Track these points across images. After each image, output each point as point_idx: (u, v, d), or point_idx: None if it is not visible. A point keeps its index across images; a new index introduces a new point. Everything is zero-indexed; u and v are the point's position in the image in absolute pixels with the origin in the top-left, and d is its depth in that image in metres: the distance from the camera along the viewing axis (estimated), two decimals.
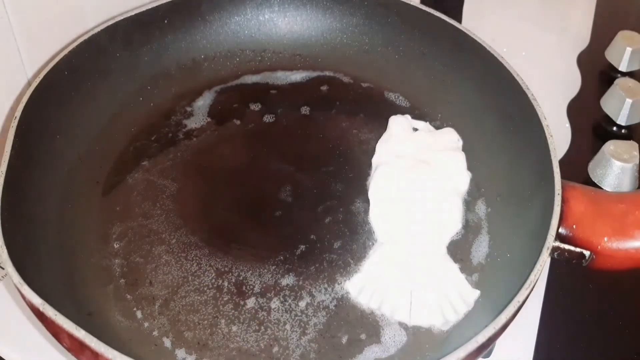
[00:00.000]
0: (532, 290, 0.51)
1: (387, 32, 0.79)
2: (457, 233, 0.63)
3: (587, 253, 0.55)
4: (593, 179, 0.76)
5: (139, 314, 0.57)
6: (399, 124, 0.71)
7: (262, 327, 0.57)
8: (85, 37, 0.69)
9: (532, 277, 0.50)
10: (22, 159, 0.58)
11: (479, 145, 0.70)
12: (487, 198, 0.66)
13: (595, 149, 0.78)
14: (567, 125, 0.84)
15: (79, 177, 0.65)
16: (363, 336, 0.56)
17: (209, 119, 0.74)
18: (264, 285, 0.59)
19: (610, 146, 0.76)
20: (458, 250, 0.62)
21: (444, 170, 0.66)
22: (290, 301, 0.58)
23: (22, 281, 0.48)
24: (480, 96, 0.72)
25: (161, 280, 0.59)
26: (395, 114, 0.73)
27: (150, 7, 0.74)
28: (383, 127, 0.72)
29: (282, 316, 0.57)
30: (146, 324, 0.56)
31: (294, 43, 0.81)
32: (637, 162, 0.74)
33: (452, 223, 0.63)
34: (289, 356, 0.55)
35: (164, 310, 0.57)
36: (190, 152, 0.71)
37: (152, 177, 0.68)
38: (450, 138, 0.70)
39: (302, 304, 0.58)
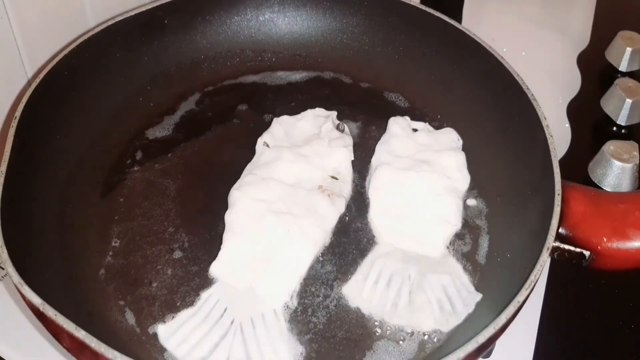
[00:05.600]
0: (532, 290, 0.51)
1: (387, 32, 0.79)
2: (457, 233, 0.63)
3: (587, 253, 0.55)
4: (593, 179, 0.76)
5: (138, 314, 0.57)
6: (398, 124, 0.71)
7: None
8: (85, 37, 0.69)
9: (532, 277, 0.50)
10: (22, 159, 0.58)
11: (479, 145, 0.70)
12: (487, 198, 0.66)
13: (595, 149, 0.78)
14: (567, 125, 0.84)
15: (79, 177, 0.65)
16: (363, 336, 0.56)
17: (208, 119, 0.74)
18: None
19: (610, 146, 0.76)
20: (458, 250, 0.62)
21: (444, 170, 0.66)
22: (290, 301, 0.58)
23: (22, 281, 0.48)
24: (480, 96, 0.72)
25: (161, 280, 0.59)
26: (395, 114, 0.73)
27: (150, 7, 0.75)
28: (383, 127, 0.72)
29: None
30: (146, 324, 0.56)
31: (294, 43, 0.82)
32: (637, 162, 0.75)
33: (452, 223, 0.63)
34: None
35: (164, 310, 0.57)
36: (190, 151, 0.71)
37: (152, 177, 0.68)
38: (450, 138, 0.70)
39: (303, 304, 0.58)
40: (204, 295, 0.58)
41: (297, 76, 0.80)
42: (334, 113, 0.73)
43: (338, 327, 0.57)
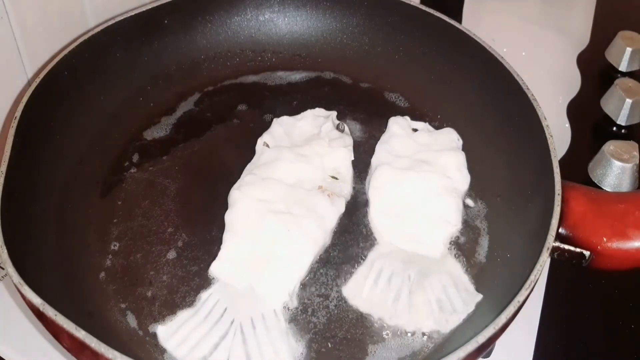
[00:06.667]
0: (532, 290, 0.51)
1: (387, 32, 0.79)
2: (457, 233, 0.63)
3: (587, 253, 0.55)
4: (593, 179, 0.76)
5: (138, 314, 0.57)
6: (398, 124, 0.71)
7: None
8: (85, 37, 0.69)
9: (532, 277, 0.50)
10: (22, 159, 0.58)
11: (479, 145, 0.70)
12: (487, 198, 0.66)
13: (595, 149, 0.78)
14: (567, 125, 0.84)
15: (79, 177, 0.65)
16: (363, 336, 0.56)
17: (208, 120, 0.74)
18: None
19: (610, 146, 0.76)
20: (458, 250, 0.62)
21: (444, 170, 0.66)
22: (290, 301, 0.58)
23: (22, 281, 0.48)
24: (480, 96, 0.72)
25: (161, 280, 0.59)
26: (395, 114, 0.73)
27: (150, 7, 0.74)
28: (383, 127, 0.72)
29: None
30: (146, 324, 0.56)
31: (294, 43, 0.82)
32: (637, 162, 0.75)
33: (452, 223, 0.63)
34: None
35: (164, 310, 0.57)
36: (190, 151, 0.71)
37: (152, 177, 0.68)
38: (450, 138, 0.70)
39: (303, 304, 0.58)
40: (204, 295, 0.58)
41: (297, 76, 0.80)
42: (334, 113, 0.73)
43: (338, 327, 0.57)
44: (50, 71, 0.65)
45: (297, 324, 0.57)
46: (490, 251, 0.62)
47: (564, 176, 0.57)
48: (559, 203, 0.55)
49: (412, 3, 0.78)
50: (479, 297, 0.58)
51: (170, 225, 0.64)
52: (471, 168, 0.68)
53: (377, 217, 0.64)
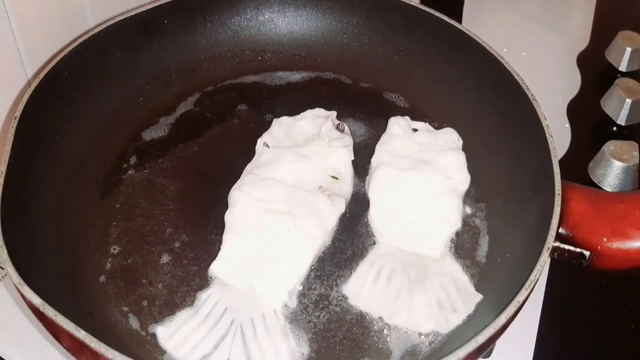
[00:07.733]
0: (532, 290, 0.51)
1: (387, 32, 0.79)
2: (457, 233, 0.63)
3: (587, 253, 0.55)
4: (593, 179, 0.76)
5: (138, 314, 0.57)
6: (398, 124, 0.71)
7: None
8: (85, 37, 0.69)
9: (532, 277, 0.50)
10: (22, 159, 0.58)
11: (479, 145, 0.70)
12: (487, 198, 0.66)
13: (595, 149, 0.78)
14: (567, 125, 0.84)
15: (79, 177, 0.65)
16: (363, 336, 0.56)
17: (208, 119, 0.74)
18: None
19: (610, 146, 0.76)
20: (458, 250, 0.62)
21: (444, 170, 0.66)
22: (290, 301, 0.58)
23: (22, 281, 0.48)
24: (480, 96, 0.72)
25: (161, 280, 0.59)
26: (395, 114, 0.73)
27: (150, 7, 0.74)
28: (383, 127, 0.72)
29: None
30: (146, 324, 0.56)
31: (294, 43, 0.82)
32: (637, 162, 0.75)
33: (452, 223, 0.63)
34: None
35: (164, 310, 0.57)
36: (190, 151, 0.71)
37: (151, 177, 0.68)
38: (450, 138, 0.70)
39: (303, 304, 0.58)
40: (204, 295, 0.58)
41: (297, 76, 0.80)
42: (334, 113, 0.73)
43: (338, 327, 0.57)
44: (50, 71, 0.65)
45: (297, 324, 0.57)
46: (490, 251, 0.62)
47: (564, 176, 0.57)
48: (559, 203, 0.55)
49: (412, 3, 0.78)
50: (479, 297, 0.58)
51: (170, 226, 0.64)
52: (471, 168, 0.68)
53: (377, 217, 0.64)
